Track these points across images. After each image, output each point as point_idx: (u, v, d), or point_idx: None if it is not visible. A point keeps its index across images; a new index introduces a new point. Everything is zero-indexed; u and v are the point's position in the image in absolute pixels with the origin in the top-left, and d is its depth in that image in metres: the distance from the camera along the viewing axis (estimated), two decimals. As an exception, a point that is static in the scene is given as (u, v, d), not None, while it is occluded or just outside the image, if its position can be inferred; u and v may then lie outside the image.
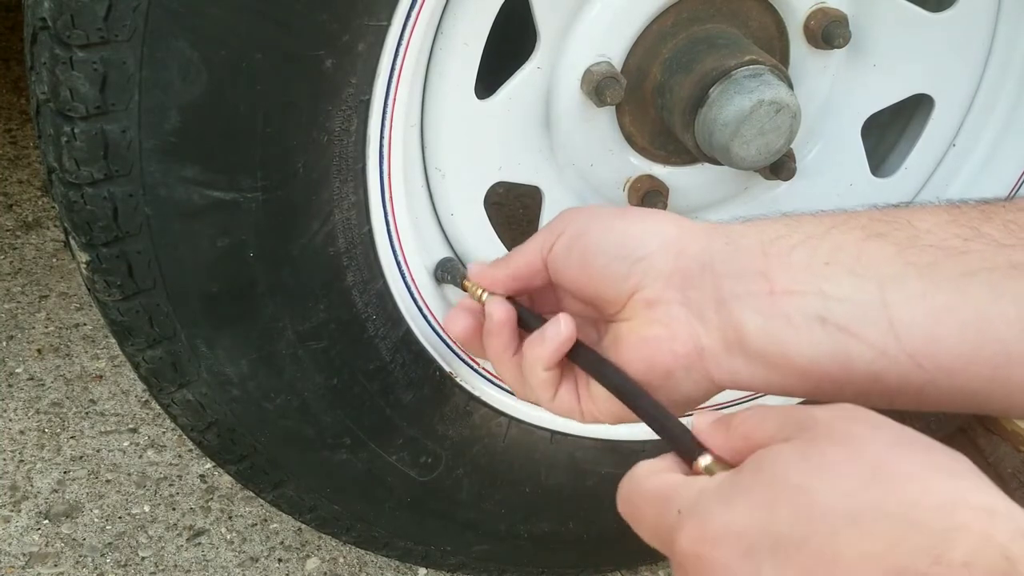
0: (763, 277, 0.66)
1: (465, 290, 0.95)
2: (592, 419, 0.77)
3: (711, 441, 0.58)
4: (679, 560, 0.52)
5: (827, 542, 0.46)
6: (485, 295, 0.85)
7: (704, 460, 0.59)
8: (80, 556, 1.29)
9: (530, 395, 0.78)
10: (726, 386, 0.70)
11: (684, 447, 0.62)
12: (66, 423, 1.47)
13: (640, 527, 0.57)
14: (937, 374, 0.61)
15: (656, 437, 1.15)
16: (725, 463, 0.56)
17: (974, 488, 0.47)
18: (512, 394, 1.08)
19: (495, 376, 1.07)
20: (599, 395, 0.75)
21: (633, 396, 0.71)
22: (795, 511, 0.47)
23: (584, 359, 0.75)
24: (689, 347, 0.69)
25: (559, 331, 0.72)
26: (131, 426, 1.48)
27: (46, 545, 1.31)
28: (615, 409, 0.74)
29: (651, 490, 0.56)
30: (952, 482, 0.47)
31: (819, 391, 0.65)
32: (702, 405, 0.71)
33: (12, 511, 1.34)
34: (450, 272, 0.99)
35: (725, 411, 0.60)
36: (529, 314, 0.79)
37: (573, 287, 0.75)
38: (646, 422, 0.70)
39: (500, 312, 0.76)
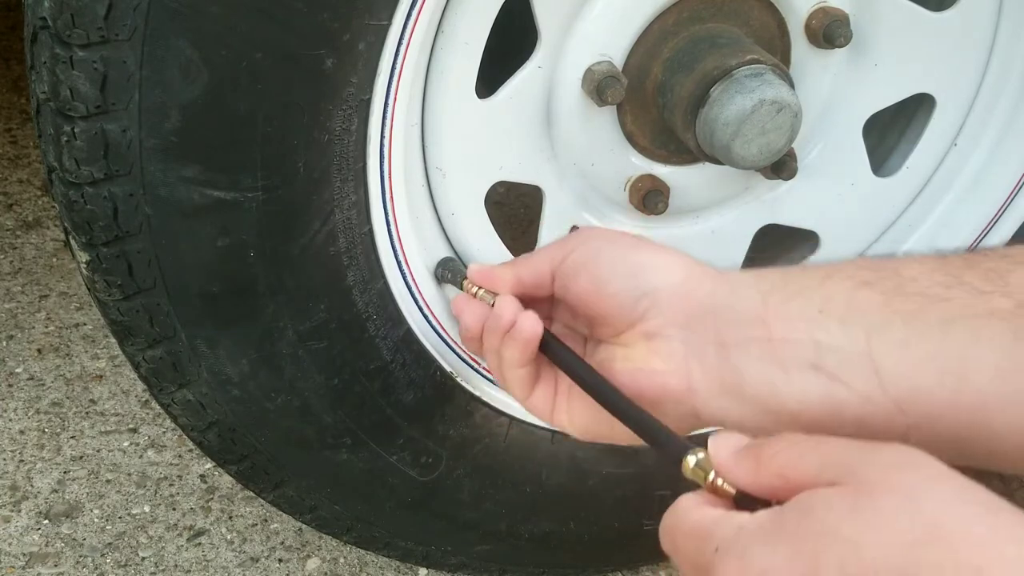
0: (762, 324, 0.69)
1: (463, 290, 0.95)
2: (560, 426, 0.79)
3: (735, 472, 0.56)
4: None
5: None
6: (481, 293, 0.86)
7: (692, 459, 0.58)
8: (80, 556, 1.29)
9: (508, 391, 0.81)
10: (710, 424, 0.72)
11: (670, 449, 0.63)
12: (66, 423, 1.47)
13: (680, 561, 0.57)
14: (920, 420, 0.62)
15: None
16: (759, 501, 0.54)
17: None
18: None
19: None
20: (575, 406, 0.78)
21: (614, 401, 0.73)
22: (842, 565, 0.45)
23: (565, 361, 0.77)
24: (682, 384, 0.72)
25: (523, 329, 0.76)
26: (131, 426, 1.47)
27: (46, 545, 1.30)
28: (587, 423, 0.78)
29: (690, 525, 0.55)
30: (1008, 547, 0.43)
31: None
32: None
33: (12, 511, 1.34)
34: (451, 272, 0.99)
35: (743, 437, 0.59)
36: None
37: (577, 302, 0.77)
38: (630, 426, 0.71)
39: (509, 312, 0.79)
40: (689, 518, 0.55)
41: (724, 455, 0.57)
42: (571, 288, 0.77)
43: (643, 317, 0.73)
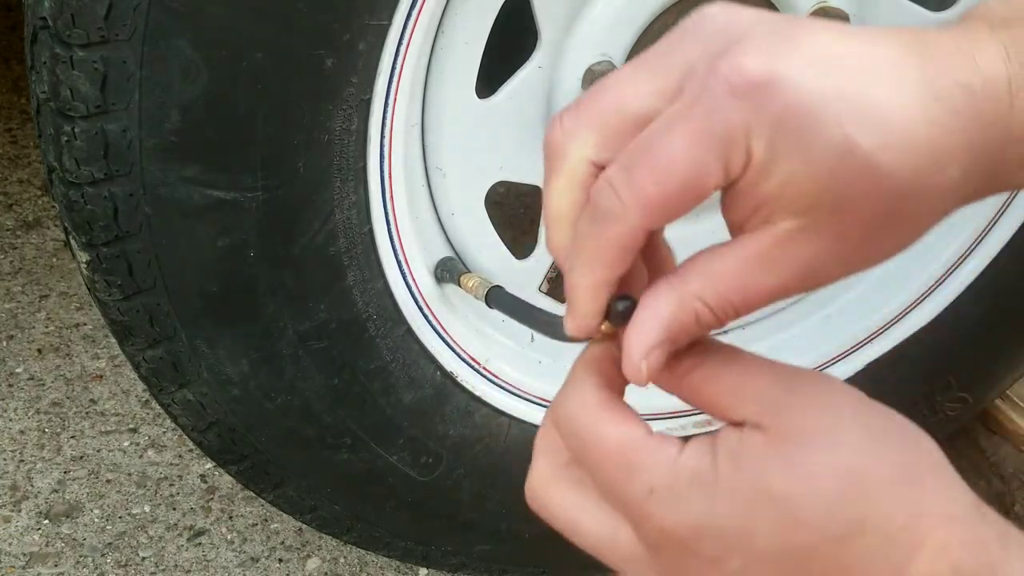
0: None
1: (460, 286, 0.95)
2: None
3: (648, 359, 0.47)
4: (648, 536, 0.47)
5: (805, 557, 0.45)
6: (474, 283, 0.87)
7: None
8: (80, 556, 1.29)
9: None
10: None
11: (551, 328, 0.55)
12: (66, 423, 1.47)
13: (599, 477, 0.48)
14: None
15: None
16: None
17: (938, 490, 0.46)
18: (514, 393, 1.08)
19: (496, 376, 1.07)
20: None
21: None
22: (777, 523, 0.45)
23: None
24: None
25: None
26: (131, 426, 1.47)
27: (46, 545, 1.30)
28: None
29: (615, 444, 0.47)
30: (919, 487, 0.45)
31: None
32: None
33: (12, 511, 1.34)
34: (451, 271, 0.99)
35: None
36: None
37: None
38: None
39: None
40: (611, 433, 0.47)
41: (637, 343, 0.47)
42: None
43: None
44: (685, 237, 1.11)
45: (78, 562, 1.29)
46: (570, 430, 0.49)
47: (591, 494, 0.49)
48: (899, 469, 0.45)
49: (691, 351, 0.49)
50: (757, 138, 0.43)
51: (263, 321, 0.90)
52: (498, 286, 0.93)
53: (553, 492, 0.50)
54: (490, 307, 0.93)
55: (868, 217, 0.44)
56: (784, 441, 0.46)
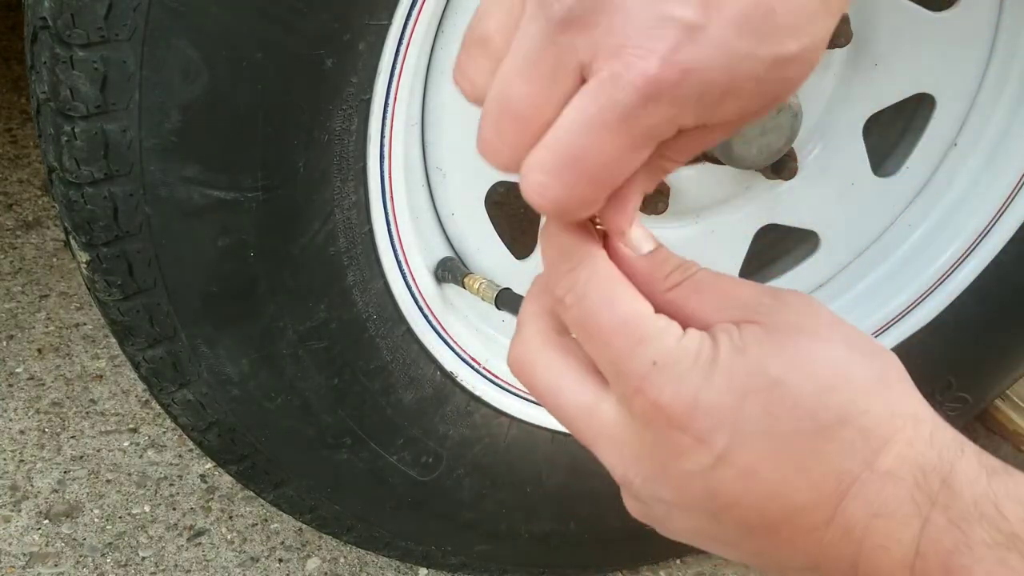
0: None
1: (464, 287, 0.95)
2: None
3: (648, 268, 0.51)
4: (640, 410, 0.49)
5: (787, 441, 0.47)
6: (483, 286, 0.87)
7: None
8: (80, 556, 1.29)
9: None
10: None
11: None
12: (66, 423, 1.47)
13: (599, 346, 0.49)
14: None
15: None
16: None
17: (906, 395, 0.49)
18: (514, 393, 1.08)
19: (496, 376, 1.07)
20: None
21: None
22: (768, 406, 0.47)
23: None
24: None
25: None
26: (131, 426, 1.47)
27: (46, 545, 1.30)
28: None
29: (623, 315, 0.49)
30: (891, 390, 0.49)
31: None
32: None
33: (12, 511, 1.34)
34: (451, 271, 0.99)
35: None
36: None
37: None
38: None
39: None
40: (622, 303, 0.49)
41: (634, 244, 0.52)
42: None
43: None
44: (687, 237, 1.11)
45: (78, 562, 1.29)
46: (581, 293, 0.50)
47: (578, 364, 0.51)
48: (876, 372, 0.49)
49: (676, 269, 0.52)
50: (685, 117, 0.43)
51: (263, 321, 0.90)
52: (507, 289, 0.93)
53: (539, 357, 0.52)
54: (499, 309, 0.93)
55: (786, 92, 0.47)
56: (781, 333, 0.49)
